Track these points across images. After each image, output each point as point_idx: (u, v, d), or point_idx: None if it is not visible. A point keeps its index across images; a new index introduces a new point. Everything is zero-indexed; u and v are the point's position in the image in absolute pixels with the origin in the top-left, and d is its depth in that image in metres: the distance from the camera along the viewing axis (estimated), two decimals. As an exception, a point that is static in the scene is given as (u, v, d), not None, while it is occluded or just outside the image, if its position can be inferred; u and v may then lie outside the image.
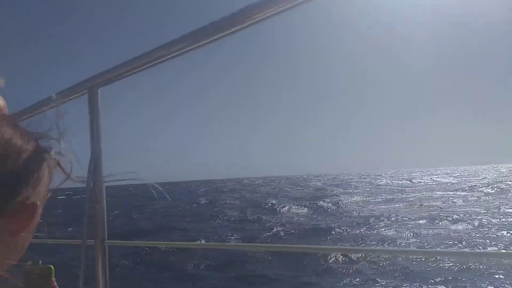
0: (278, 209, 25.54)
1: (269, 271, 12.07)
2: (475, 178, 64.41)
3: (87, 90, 1.44)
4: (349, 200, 30.12)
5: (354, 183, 61.57)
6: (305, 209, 25.31)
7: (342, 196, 33.50)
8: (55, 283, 0.87)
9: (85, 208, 1.41)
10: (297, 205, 26.61)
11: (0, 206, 0.53)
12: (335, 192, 40.93)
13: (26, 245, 0.62)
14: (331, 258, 12.69)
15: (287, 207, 25.83)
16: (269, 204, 27.41)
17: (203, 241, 16.74)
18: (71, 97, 1.54)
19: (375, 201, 30.05)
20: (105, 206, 1.44)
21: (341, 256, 12.68)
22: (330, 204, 27.13)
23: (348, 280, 10.68)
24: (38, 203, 0.59)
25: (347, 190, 43.35)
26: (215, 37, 1.07)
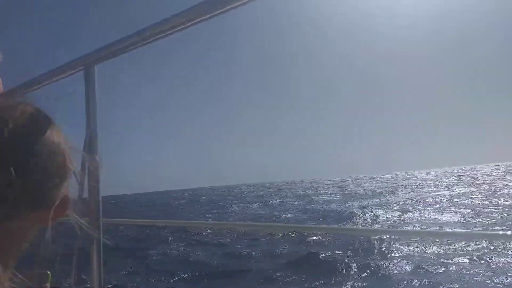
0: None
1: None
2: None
3: (83, 67, 1.41)
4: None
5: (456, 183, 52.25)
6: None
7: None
8: None
9: (79, 187, 1.40)
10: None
11: (39, 202, 0.56)
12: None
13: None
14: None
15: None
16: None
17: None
18: (66, 74, 1.52)
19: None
20: (100, 184, 1.42)
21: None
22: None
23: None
24: (69, 195, 0.63)
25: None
26: (214, 13, 1.05)
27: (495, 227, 16.78)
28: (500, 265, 10.78)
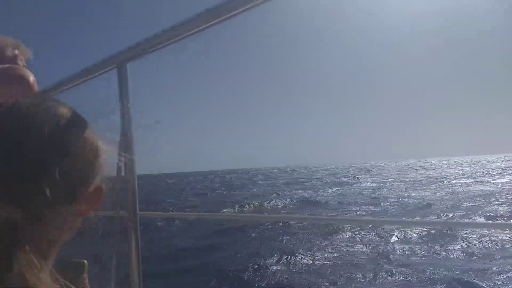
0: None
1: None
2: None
3: (115, 65, 1.41)
4: None
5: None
6: None
7: None
8: (87, 280, 0.86)
9: (117, 181, 1.42)
10: None
11: (72, 196, 0.59)
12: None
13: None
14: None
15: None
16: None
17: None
18: (99, 73, 1.53)
19: None
20: (136, 179, 1.44)
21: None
22: None
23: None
24: (103, 186, 0.65)
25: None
26: (244, 8, 1.02)
27: None
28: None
